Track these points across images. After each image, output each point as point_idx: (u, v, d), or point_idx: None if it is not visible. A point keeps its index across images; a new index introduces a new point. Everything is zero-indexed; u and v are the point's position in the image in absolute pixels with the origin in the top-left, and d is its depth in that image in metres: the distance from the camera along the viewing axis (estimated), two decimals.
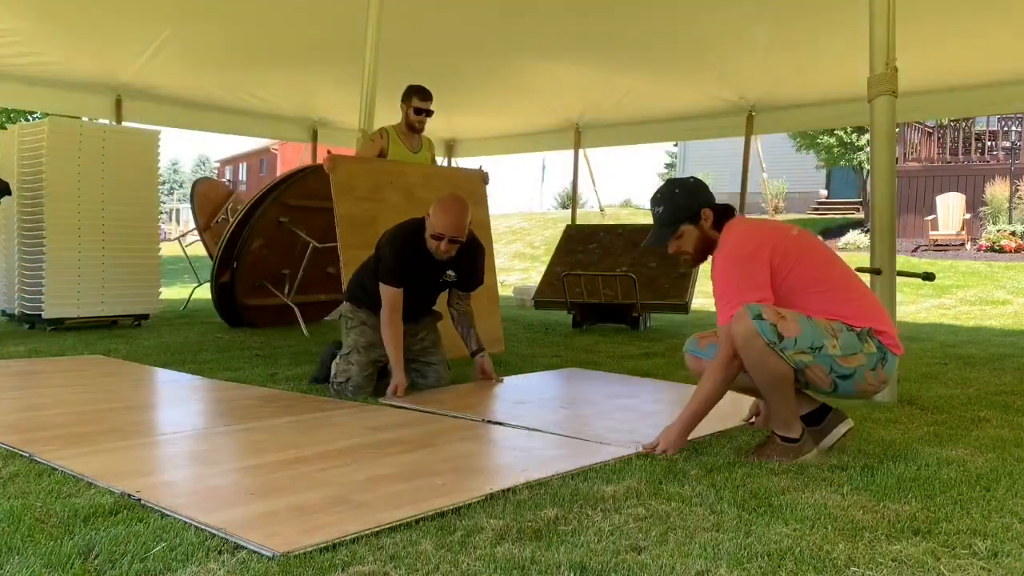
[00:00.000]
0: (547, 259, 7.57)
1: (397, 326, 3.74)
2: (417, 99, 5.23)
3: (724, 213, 2.67)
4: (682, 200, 2.68)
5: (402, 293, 3.73)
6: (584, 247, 7.48)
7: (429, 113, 5.29)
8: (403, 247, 3.76)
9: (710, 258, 2.72)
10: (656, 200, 2.71)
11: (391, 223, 3.96)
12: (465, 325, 4.03)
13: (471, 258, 3.94)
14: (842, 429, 2.69)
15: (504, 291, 12.03)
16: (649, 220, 2.86)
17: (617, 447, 2.72)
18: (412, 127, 5.26)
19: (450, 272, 3.86)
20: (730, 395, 3.55)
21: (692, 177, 2.83)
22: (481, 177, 5.47)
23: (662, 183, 2.77)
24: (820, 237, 2.57)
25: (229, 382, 4.06)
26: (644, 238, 2.83)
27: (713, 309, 2.68)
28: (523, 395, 3.82)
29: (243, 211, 6.61)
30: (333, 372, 3.87)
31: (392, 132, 5.23)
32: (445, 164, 11.36)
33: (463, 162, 11.58)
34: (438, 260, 3.75)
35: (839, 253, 2.95)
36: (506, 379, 3.48)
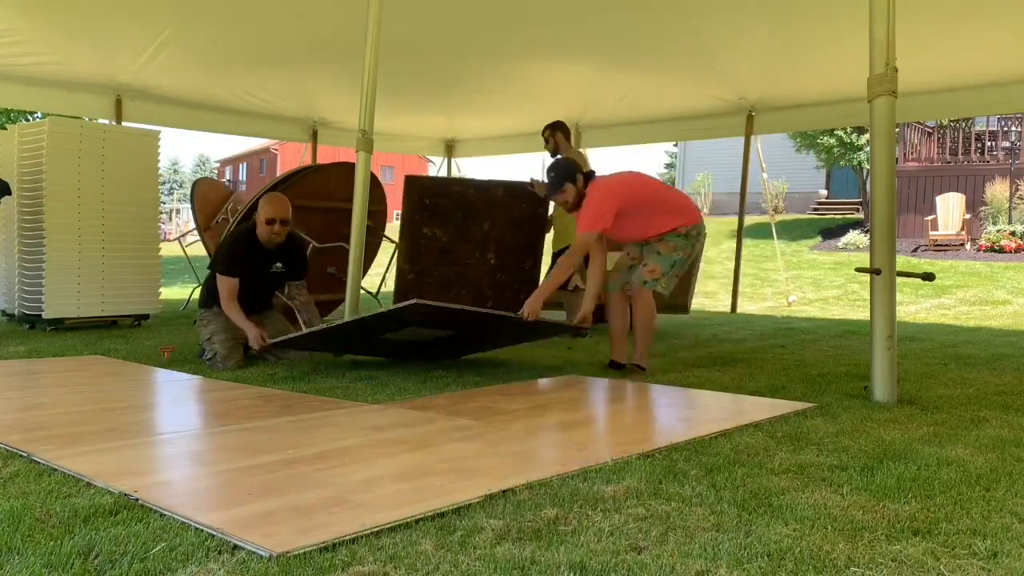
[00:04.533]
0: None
1: (236, 306, 4.42)
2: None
3: (589, 177, 4.31)
4: (567, 170, 4.33)
5: (238, 283, 4.40)
6: None
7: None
8: (237, 243, 4.57)
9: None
10: (550, 170, 4.38)
11: None
12: (304, 312, 4.80)
13: (298, 251, 4.76)
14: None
15: None
16: None
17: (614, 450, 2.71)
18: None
19: (278, 264, 4.62)
20: (732, 396, 3.54)
21: (565, 158, 4.66)
22: None
23: (552, 161, 4.57)
24: (652, 176, 4.69)
25: (229, 382, 4.06)
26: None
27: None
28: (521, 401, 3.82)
29: (243, 211, 6.61)
30: (202, 353, 4.57)
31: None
32: (445, 164, 11.36)
33: (463, 162, 11.57)
34: (267, 252, 4.51)
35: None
36: (513, 384, 3.31)
